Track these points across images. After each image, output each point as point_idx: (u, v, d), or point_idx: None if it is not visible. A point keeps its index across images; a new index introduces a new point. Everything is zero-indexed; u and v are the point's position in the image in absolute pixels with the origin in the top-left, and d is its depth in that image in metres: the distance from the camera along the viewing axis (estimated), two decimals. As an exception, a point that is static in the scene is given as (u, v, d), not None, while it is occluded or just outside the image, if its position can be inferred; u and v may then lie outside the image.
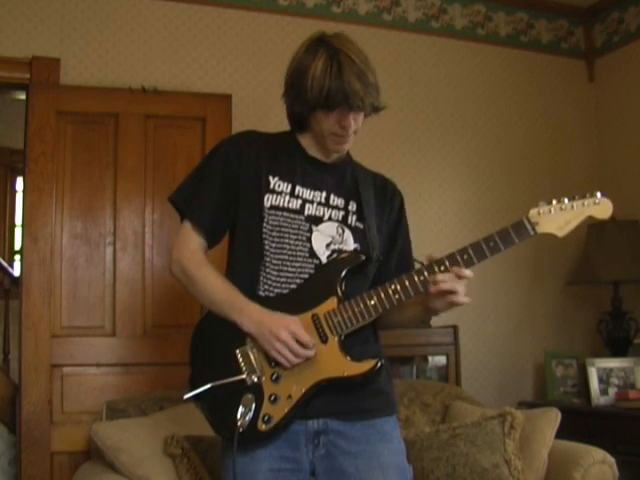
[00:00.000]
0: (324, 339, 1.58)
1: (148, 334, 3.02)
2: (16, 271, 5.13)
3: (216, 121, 3.16)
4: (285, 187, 1.68)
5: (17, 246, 6.20)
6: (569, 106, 4.15)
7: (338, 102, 1.58)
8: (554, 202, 1.60)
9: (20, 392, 2.82)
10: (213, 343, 1.65)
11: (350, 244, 1.68)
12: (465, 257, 1.58)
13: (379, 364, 1.58)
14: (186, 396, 1.62)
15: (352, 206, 1.71)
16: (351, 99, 1.57)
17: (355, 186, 1.74)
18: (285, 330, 1.55)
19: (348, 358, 1.58)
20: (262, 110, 3.36)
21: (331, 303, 1.60)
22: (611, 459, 2.56)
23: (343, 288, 1.62)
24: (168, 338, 2.99)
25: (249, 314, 1.59)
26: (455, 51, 3.90)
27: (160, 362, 2.98)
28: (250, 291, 1.63)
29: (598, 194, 1.60)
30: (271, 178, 1.68)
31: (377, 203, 1.76)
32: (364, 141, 3.54)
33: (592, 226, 3.78)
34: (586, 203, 1.59)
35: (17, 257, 5.92)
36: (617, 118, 4.05)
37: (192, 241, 1.69)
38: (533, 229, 1.59)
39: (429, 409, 3.02)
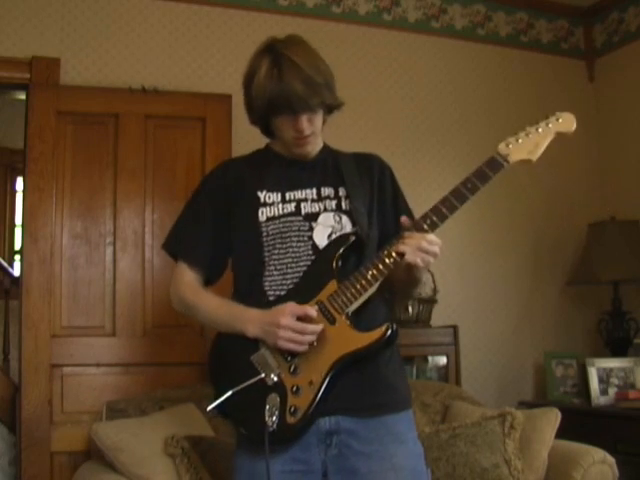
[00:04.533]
0: (332, 320, 1.59)
1: (148, 334, 3.02)
2: (16, 271, 5.13)
3: (216, 121, 3.16)
4: (275, 197, 1.70)
5: (17, 246, 6.20)
6: (569, 106, 4.05)
7: (281, 106, 1.60)
8: (520, 132, 1.71)
9: (20, 392, 2.82)
10: (229, 358, 1.66)
11: (348, 228, 1.69)
12: (447, 204, 1.69)
13: (390, 329, 1.58)
14: (209, 407, 1.62)
15: (342, 192, 1.73)
16: (294, 102, 1.59)
17: (339, 172, 1.75)
18: (283, 315, 1.56)
19: (359, 332, 1.58)
20: (262, 110, 3.35)
21: (331, 286, 1.61)
22: (611, 459, 2.56)
23: (339, 266, 1.63)
24: (168, 338, 3.00)
25: (250, 319, 1.61)
26: (455, 51, 3.90)
27: (160, 362, 2.98)
28: (259, 301, 1.64)
29: (557, 112, 1.69)
30: (259, 193, 1.71)
31: (365, 180, 1.77)
32: (364, 141, 3.55)
33: (592, 226, 3.78)
34: (550, 123, 1.70)
35: (17, 257, 5.92)
36: (617, 118, 4.05)
37: (187, 275, 1.74)
38: (505, 160, 1.69)
39: (429, 409, 3.01)
